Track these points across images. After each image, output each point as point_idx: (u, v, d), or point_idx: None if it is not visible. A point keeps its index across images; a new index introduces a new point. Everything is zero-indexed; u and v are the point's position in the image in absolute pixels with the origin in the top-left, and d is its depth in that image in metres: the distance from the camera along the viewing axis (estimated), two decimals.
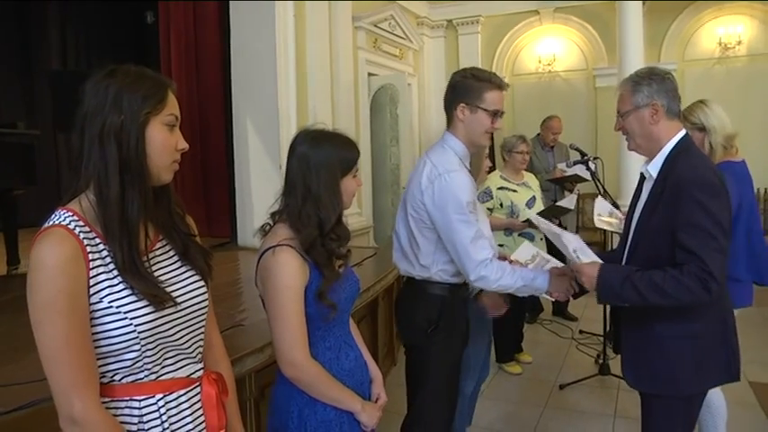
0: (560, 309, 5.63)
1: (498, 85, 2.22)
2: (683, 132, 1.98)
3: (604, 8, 7.46)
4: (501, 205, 4.16)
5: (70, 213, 1.18)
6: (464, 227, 2.13)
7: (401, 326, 2.45)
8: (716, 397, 2.71)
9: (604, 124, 7.45)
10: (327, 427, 1.68)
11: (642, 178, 2.09)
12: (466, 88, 2.21)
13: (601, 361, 4.25)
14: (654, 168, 1.97)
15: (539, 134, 5.74)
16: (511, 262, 2.76)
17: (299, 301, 1.61)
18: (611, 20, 7.29)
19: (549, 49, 8.05)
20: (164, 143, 1.26)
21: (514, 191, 4.23)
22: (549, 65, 8.03)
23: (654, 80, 1.96)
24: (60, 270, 1.11)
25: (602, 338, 4.39)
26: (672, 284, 1.78)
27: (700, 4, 7.31)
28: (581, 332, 5.14)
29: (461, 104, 2.21)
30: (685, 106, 2.81)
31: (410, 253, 2.31)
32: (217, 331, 1.52)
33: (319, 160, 1.66)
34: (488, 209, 4.14)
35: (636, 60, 6.53)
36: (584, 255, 2.07)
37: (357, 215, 6.42)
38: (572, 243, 2.12)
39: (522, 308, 4.56)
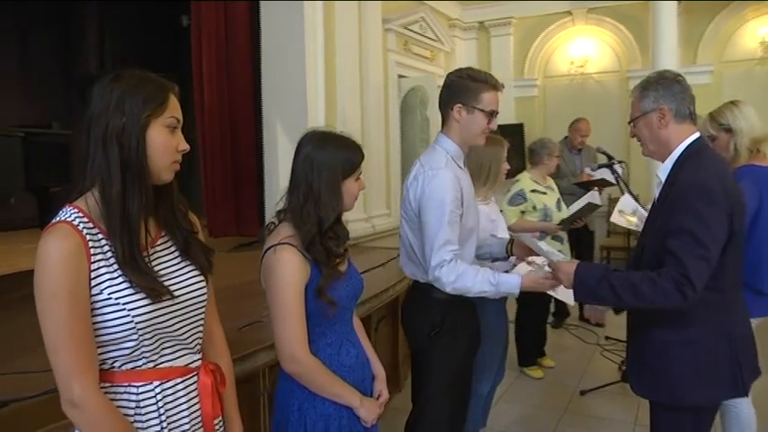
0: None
1: (494, 85, 2.22)
2: (695, 135, 1.95)
3: (638, 8, 7.33)
4: (534, 208, 4.15)
5: (76, 210, 1.25)
6: (437, 224, 2.13)
7: (406, 329, 2.47)
8: (745, 407, 2.66)
9: None
10: (326, 421, 1.72)
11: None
12: (462, 88, 2.22)
13: (624, 367, 4.20)
14: (663, 173, 1.97)
15: (566, 137, 5.69)
16: (529, 263, 2.77)
17: (299, 297, 1.66)
18: (645, 20, 7.17)
19: (581, 51, 7.94)
20: (164, 144, 1.31)
21: (544, 193, 4.23)
22: (581, 66, 7.92)
23: (661, 85, 1.96)
24: (63, 264, 1.18)
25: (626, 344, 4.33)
26: (647, 286, 1.76)
27: (741, 2, 7.08)
28: (607, 338, 5.07)
29: (458, 105, 2.22)
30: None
31: (413, 256, 2.33)
32: (218, 324, 1.58)
33: (322, 160, 1.71)
34: (521, 211, 4.13)
35: (670, 62, 6.41)
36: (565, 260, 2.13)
37: (386, 216, 6.44)
38: (557, 255, 2.18)
39: (545, 312, 4.54)
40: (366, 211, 5.90)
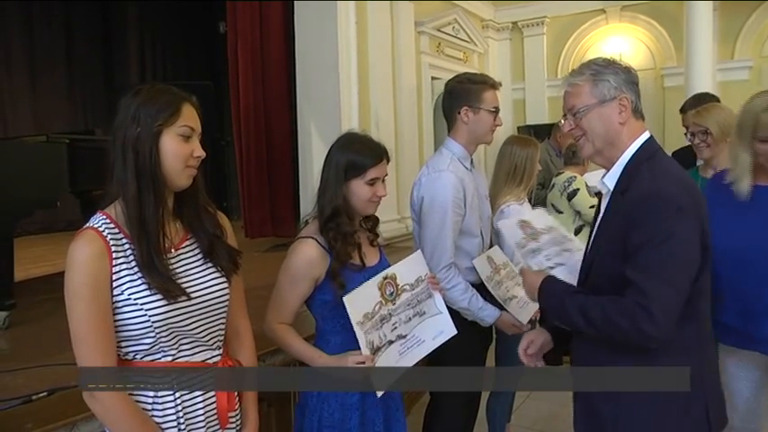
0: None
1: (492, 85, 2.34)
2: (646, 135, 1.59)
3: (673, 5, 7.24)
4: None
5: (104, 217, 1.36)
6: (438, 227, 2.22)
7: None
8: None
9: (672, 126, 7.20)
10: (344, 411, 1.82)
11: (601, 195, 1.70)
12: (465, 92, 2.32)
13: None
14: (611, 180, 1.59)
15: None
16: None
17: (297, 284, 1.80)
18: (679, 17, 7.09)
19: (615, 49, 7.86)
20: (176, 152, 1.38)
21: None
22: None
23: (619, 69, 1.57)
24: (86, 266, 1.30)
25: None
26: (597, 314, 1.46)
27: None
28: None
29: (464, 107, 2.31)
30: None
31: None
32: (246, 320, 1.65)
33: (333, 157, 1.85)
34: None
35: (705, 58, 6.37)
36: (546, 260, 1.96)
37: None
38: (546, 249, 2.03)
39: None
40: (399, 212, 5.99)
